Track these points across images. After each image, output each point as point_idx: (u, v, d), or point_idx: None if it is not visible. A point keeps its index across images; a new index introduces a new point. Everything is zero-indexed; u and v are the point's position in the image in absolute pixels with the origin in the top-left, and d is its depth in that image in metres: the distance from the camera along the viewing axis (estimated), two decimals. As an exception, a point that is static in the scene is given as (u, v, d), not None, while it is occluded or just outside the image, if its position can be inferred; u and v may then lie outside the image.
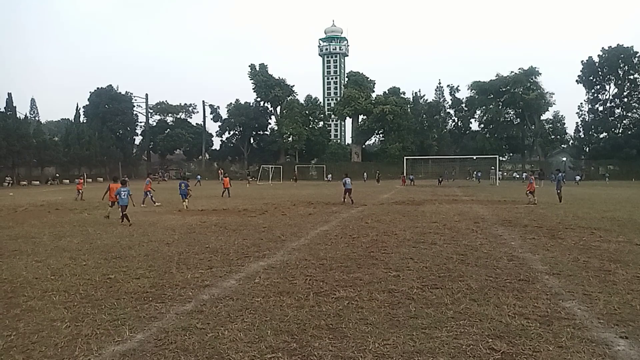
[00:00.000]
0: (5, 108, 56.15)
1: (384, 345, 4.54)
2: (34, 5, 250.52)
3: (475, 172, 59.77)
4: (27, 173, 57.70)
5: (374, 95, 76.11)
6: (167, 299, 6.16)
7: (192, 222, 14.79)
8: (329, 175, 60.74)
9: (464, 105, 76.86)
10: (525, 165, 72.08)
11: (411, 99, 77.76)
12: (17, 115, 57.49)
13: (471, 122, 78.17)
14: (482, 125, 75.49)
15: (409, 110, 74.62)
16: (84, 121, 69.73)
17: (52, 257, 9.11)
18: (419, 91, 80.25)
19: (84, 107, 72.32)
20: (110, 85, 74.65)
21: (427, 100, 79.28)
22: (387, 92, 75.94)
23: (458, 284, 6.85)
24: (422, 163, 65.06)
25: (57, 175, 57.05)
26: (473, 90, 73.92)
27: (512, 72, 70.59)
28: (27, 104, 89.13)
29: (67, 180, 55.68)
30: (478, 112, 75.46)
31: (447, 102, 79.31)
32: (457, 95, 77.51)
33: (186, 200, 20.15)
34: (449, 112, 79.87)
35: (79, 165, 62.18)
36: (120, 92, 75.36)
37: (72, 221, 15.33)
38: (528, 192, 22.27)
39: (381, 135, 78.88)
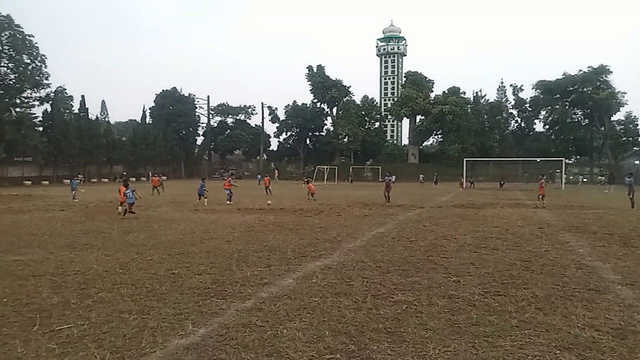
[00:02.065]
0: (78, 109, 59.74)
1: (445, 352, 4.43)
2: (105, 14, 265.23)
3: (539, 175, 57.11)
4: (97, 171, 61.09)
5: (432, 95, 74.59)
6: (228, 296, 6.32)
7: (251, 221, 15.10)
8: (393, 177, 59.26)
9: (527, 105, 73.73)
10: (594, 169, 68.20)
11: (471, 99, 75.58)
12: (89, 117, 61.02)
13: (535, 123, 74.87)
14: (547, 126, 72.11)
15: (469, 110, 72.53)
16: (150, 122, 72.89)
17: (120, 252, 9.59)
18: (480, 91, 77.79)
19: (150, 108, 75.64)
20: (175, 87, 77.62)
21: (488, 100, 76.71)
22: (446, 92, 74.20)
23: (522, 291, 6.58)
24: (482, 165, 62.97)
25: (125, 173, 60.04)
26: (538, 90, 70.73)
27: (580, 70, 66.96)
28: (98, 105, 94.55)
29: (134, 179, 58.47)
30: (543, 112, 72.13)
31: (510, 102, 76.39)
32: (521, 95, 74.47)
33: (202, 198, 21.28)
34: (511, 113, 76.89)
35: (145, 164, 65.11)
36: (183, 94, 78.18)
37: (138, 217, 16.06)
38: (540, 196, 21.89)
39: (439, 136, 77.16)
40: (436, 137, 79.89)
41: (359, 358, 4.33)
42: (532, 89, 71.45)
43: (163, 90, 76.76)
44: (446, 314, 5.56)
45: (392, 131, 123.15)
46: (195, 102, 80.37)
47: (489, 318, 5.41)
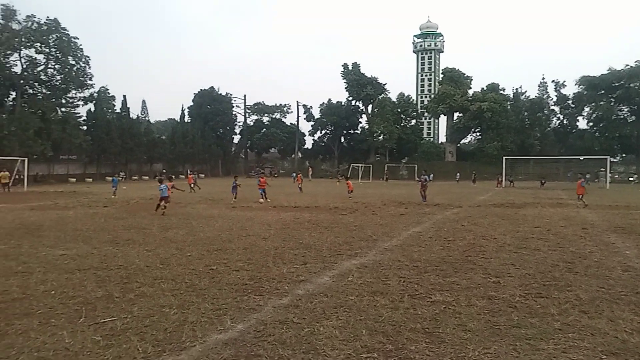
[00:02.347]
0: (120, 109, 61.62)
1: (485, 354, 4.34)
2: (144, 16, 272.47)
3: (575, 173, 55.09)
4: (138, 169, 62.86)
5: (470, 91, 73.11)
6: (265, 292, 6.38)
7: (287, 218, 15.21)
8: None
9: (570, 102, 71.20)
10: (641, 168, 65.31)
11: (511, 96, 73.67)
12: (131, 116, 62.82)
13: (578, 120, 72.23)
14: (590, 124, 69.46)
15: (508, 107, 70.71)
16: (188, 121, 74.42)
17: (160, 247, 9.83)
18: (520, 87, 75.82)
19: (188, 108, 77.23)
20: (212, 87, 78.97)
21: (528, 96, 74.54)
22: (485, 88, 72.59)
23: (565, 293, 6.38)
24: (522, 163, 61.23)
25: (164, 170, 61.54)
26: (581, 86, 68.19)
27: (627, 65, 64.08)
28: (138, 105, 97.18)
29: (173, 176, 59.80)
30: (586, 109, 69.49)
31: (552, 99, 73.99)
32: (563, 91, 72.00)
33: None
34: (553, 110, 74.46)
35: (184, 162, 66.53)
36: (221, 94, 79.44)
37: (178, 214, 16.44)
38: (579, 195, 21.29)
39: (478, 133, 75.54)
40: (474, 134, 78.25)
41: (397, 358, 4.29)
42: (575, 84, 68.99)
43: (201, 89, 78.23)
44: (486, 315, 5.45)
45: (429, 129, 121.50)
46: (232, 101, 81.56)
47: (530, 320, 5.27)
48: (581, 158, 53.58)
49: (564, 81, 72.57)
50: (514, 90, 74.76)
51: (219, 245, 10.07)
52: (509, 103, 71.46)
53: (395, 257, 8.79)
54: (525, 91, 75.43)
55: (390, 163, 70.88)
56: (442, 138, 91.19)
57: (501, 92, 72.19)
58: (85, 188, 36.93)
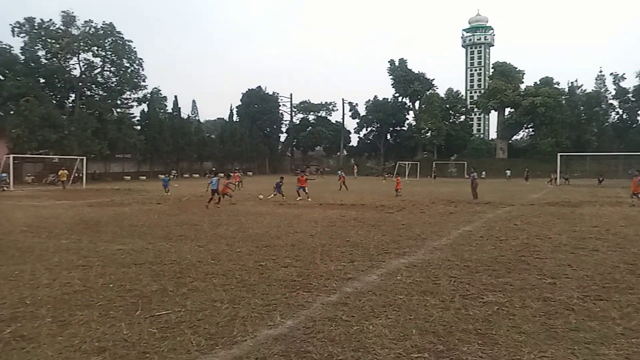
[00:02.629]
0: (172, 109, 63.66)
1: (541, 358, 4.20)
2: (194, 20, 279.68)
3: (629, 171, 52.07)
4: (189, 167, 64.74)
5: (522, 86, 70.67)
6: (313, 289, 6.42)
7: (333, 216, 15.23)
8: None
9: (630, 95, 67.52)
10: None
11: (566, 90, 70.63)
12: (182, 116, 64.77)
13: (639, 115, 68.49)
14: (653, 118, 65.74)
15: (563, 102, 67.85)
16: (237, 120, 75.93)
17: (211, 243, 10.08)
18: (576, 81, 72.47)
19: (236, 107, 78.75)
20: (259, 86, 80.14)
21: (585, 90, 71.25)
22: (538, 82, 69.97)
23: (627, 296, 6.05)
24: (578, 160, 58.55)
25: (214, 169, 63.05)
26: (642, 78, 64.61)
27: (695, 54, 60.13)
28: (189, 105, 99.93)
29: (222, 174, 61.21)
30: (648, 102, 65.79)
31: (610, 93, 70.43)
32: (623, 84, 68.41)
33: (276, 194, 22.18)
34: (611, 104, 70.87)
35: (232, 160, 67.95)
36: (267, 93, 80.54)
37: (227, 211, 16.81)
38: (633, 193, 20.15)
39: (531, 129, 72.93)
40: (527, 130, 75.62)
41: (448, 358, 4.21)
42: (636, 77, 65.37)
43: (249, 89, 79.57)
44: (541, 318, 5.25)
45: (479, 125, 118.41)
46: (279, 100, 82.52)
47: (589, 324, 5.04)
48: (643, 154, 50.66)
49: (624, 74, 68.95)
50: (569, 84, 71.65)
51: (268, 242, 10.21)
52: (563, 97, 68.60)
53: (445, 257, 8.62)
54: (582, 85, 72.21)
55: (438, 160, 69.54)
56: (493, 134, 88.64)
57: (555, 86, 69.42)
58: (139, 185, 38.38)
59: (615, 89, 69.32)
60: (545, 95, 64.60)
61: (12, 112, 41.83)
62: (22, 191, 30.30)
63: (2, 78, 42.05)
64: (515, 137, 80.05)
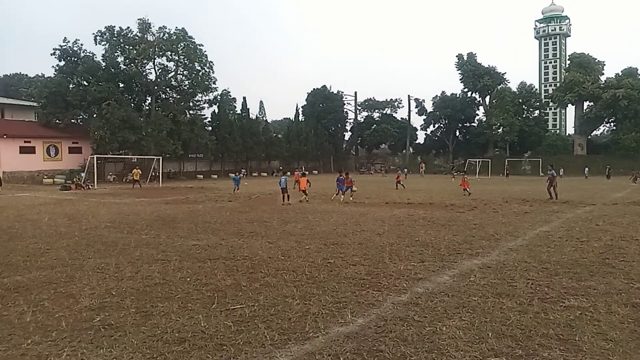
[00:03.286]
0: (241, 110, 65.52)
1: (632, 368, 3.90)
2: (261, 22, 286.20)
3: None
4: (257, 165, 66.42)
5: (603, 78, 66.02)
6: (383, 288, 6.36)
7: (400, 215, 15.03)
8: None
9: None
10: None
11: (653, 81, 65.25)
12: (250, 116, 66.50)
13: None
14: None
15: (648, 94, 62.75)
16: (302, 120, 76.85)
17: (281, 240, 10.28)
18: (665, 70, 66.67)
19: (302, 106, 79.67)
20: (324, 85, 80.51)
21: (676, 80, 65.47)
22: (620, 74, 65.10)
23: None
24: (667, 156, 54.14)
25: (281, 168, 64.27)
26: None
27: None
28: (257, 106, 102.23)
29: (289, 173, 62.37)
30: None
31: None
32: None
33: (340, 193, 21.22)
34: None
35: (298, 159, 68.91)
36: (332, 92, 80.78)
37: (295, 209, 17.06)
38: None
39: (612, 124, 68.05)
40: (608, 125, 70.65)
41: (528, 364, 4.03)
42: None
43: (314, 89, 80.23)
44: (630, 325, 4.91)
45: (555, 120, 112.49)
46: (344, 99, 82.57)
47: (686, 334, 4.63)
48: None
49: None
50: (657, 74, 66.08)
51: (335, 240, 10.26)
52: (649, 89, 63.39)
53: (521, 258, 8.25)
54: (672, 74, 66.31)
55: (511, 157, 66.63)
56: (570, 130, 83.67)
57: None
58: (211, 184, 39.86)
59: None
60: (628, 87, 59.98)
61: (95, 116, 44.90)
62: (104, 189, 32.42)
63: (86, 84, 45.18)
64: (595, 133, 75.14)
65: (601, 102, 62.54)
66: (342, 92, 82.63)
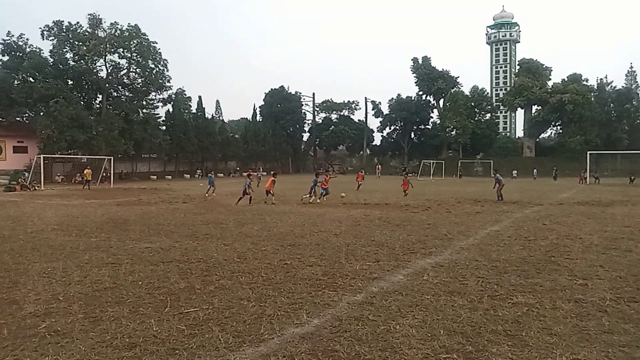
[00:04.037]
0: (196, 109, 64.43)
1: (574, 360, 4.09)
2: (217, 20, 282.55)
3: None
4: (213, 166, 65.36)
5: (550, 83, 69.14)
6: (339, 288, 6.41)
7: (357, 215, 15.18)
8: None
9: (663, 91, 65.46)
10: None
11: (595, 87, 68.88)
12: (206, 116, 65.47)
13: (673, 112, 66.32)
14: (688, 115, 63.53)
15: (592, 99, 66.18)
16: (260, 120, 76.39)
17: (237, 242, 10.17)
18: (605, 77, 70.41)
19: (259, 107, 79.26)
20: (282, 86, 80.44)
21: (615, 87, 69.34)
22: (566, 79, 68.39)
23: (664, 299, 5.86)
24: (608, 159, 57.11)
25: (238, 168, 63.65)
26: (677, 74, 62.50)
27: None
28: (213, 105, 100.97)
29: (245, 173, 61.74)
30: (683, 99, 63.62)
31: (641, 89, 68.33)
32: (655, 80, 66.30)
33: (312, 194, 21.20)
34: (643, 100, 68.77)
35: (256, 159, 68.40)
36: (290, 93, 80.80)
37: (252, 210, 16.93)
38: None
39: (559, 127, 71.39)
40: (555, 128, 74.05)
41: (477, 360, 4.15)
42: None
43: (271, 89, 79.99)
44: (573, 319, 5.14)
45: (505, 123, 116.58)
46: (301, 100, 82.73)
47: (623, 326, 4.90)
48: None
49: (657, 69, 66.80)
50: (598, 81, 69.84)
51: (292, 241, 10.24)
52: (592, 94, 66.91)
53: (472, 257, 8.50)
54: (612, 81, 70.28)
55: (463, 159, 68.68)
56: (520, 132, 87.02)
57: (584, 82, 67.72)
58: (165, 185, 38.98)
59: (647, 85, 67.27)
60: (573, 93, 63.11)
61: (42, 114, 42.97)
62: (52, 190, 31.11)
63: (32, 80, 43.15)
64: (542, 135, 78.50)
65: (548, 107, 65.47)
66: (300, 93, 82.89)
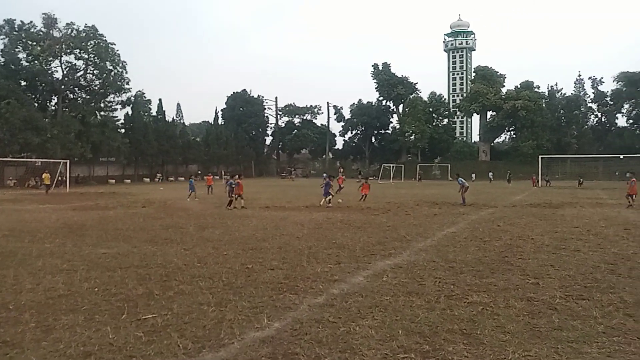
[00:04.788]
0: (156, 112, 63.15)
1: (525, 357, 4.27)
2: (177, 22, 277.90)
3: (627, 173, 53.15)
4: (174, 170, 64.29)
5: (504, 90, 71.68)
6: (300, 291, 6.43)
7: (319, 218, 15.27)
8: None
9: (608, 99, 68.91)
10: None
11: (546, 94, 71.82)
12: (166, 119, 64.30)
13: (617, 118, 69.93)
14: (630, 121, 67.10)
15: (543, 105, 68.96)
16: (222, 123, 75.60)
17: (197, 246, 10.04)
18: (556, 85, 73.58)
19: (221, 110, 78.46)
20: (245, 89, 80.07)
21: (564, 94, 72.50)
22: (519, 86, 71.03)
23: (608, 296, 6.18)
24: (559, 162, 59.59)
25: (199, 172, 62.68)
26: (620, 82, 65.87)
27: (667, 61, 61.51)
28: (174, 108, 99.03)
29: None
30: (626, 106, 67.19)
31: (589, 96, 71.78)
32: (601, 88, 69.78)
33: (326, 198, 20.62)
34: (590, 107, 72.24)
35: (218, 163, 67.63)
36: (253, 96, 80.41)
37: (213, 214, 16.74)
38: (629, 195, 20.36)
39: (512, 132, 74.07)
40: (509, 133, 76.71)
41: (434, 358, 4.26)
42: (614, 81, 66.79)
43: (234, 92, 79.43)
44: (525, 317, 5.34)
45: (462, 128, 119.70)
46: (264, 104, 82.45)
47: (572, 323, 5.14)
48: (621, 157, 51.72)
49: (602, 78, 70.43)
50: (549, 88, 72.95)
51: (254, 244, 10.20)
52: (544, 101, 69.76)
53: (430, 258, 8.71)
54: (561, 89, 73.55)
55: (422, 163, 70.11)
56: (476, 137, 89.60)
57: (536, 90, 70.54)
58: (124, 189, 37.98)
59: (593, 93, 70.67)
60: (525, 99, 65.59)
61: (-8, 115, 41.08)
62: (3, 195, 29.77)
63: (-19, 80, 41.30)
64: (497, 140, 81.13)
65: (502, 112, 67.79)
66: (263, 97, 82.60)
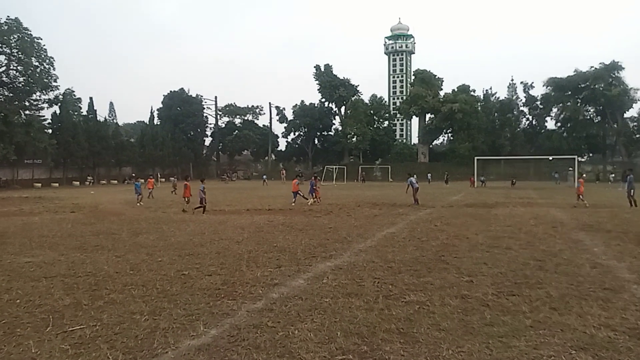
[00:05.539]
0: (87, 111, 60.21)
1: (458, 353, 4.38)
2: (112, 16, 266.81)
3: (553, 173, 56.62)
4: (106, 172, 61.52)
5: (442, 93, 74.18)
6: (238, 296, 6.30)
7: (260, 222, 15.09)
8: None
9: (539, 102, 72.97)
10: (607, 167, 67.34)
11: (482, 97, 75.11)
12: (98, 118, 61.47)
13: (547, 121, 74.19)
14: (558, 124, 71.46)
15: (479, 108, 72.08)
16: (158, 123, 73.21)
17: (130, 253, 9.61)
18: (490, 89, 77.05)
19: (157, 109, 75.97)
20: (182, 88, 77.85)
21: (498, 98, 76.15)
22: (456, 89, 73.77)
23: (536, 291, 6.50)
24: (493, 164, 62.41)
25: (134, 175, 60.38)
26: (549, 87, 69.98)
27: (592, 67, 66.00)
28: (106, 107, 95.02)
29: (143, 180, 58.78)
30: (554, 109, 71.40)
31: (521, 100, 75.74)
32: (532, 92, 73.84)
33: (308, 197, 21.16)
34: (522, 110, 76.21)
35: (153, 165, 65.42)
36: (191, 95, 78.39)
37: (148, 219, 16.13)
38: (579, 195, 21.63)
39: (450, 134, 76.73)
40: (446, 135, 79.50)
41: (372, 359, 4.29)
42: (543, 86, 70.73)
43: (171, 91, 77.13)
44: (459, 314, 5.50)
45: (402, 130, 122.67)
46: (203, 103, 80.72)
47: (502, 318, 5.34)
48: (550, 158, 54.99)
49: (532, 82, 74.38)
50: (484, 92, 76.24)
51: (191, 250, 9.90)
52: (479, 104, 72.80)
53: (370, 259, 8.81)
54: (496, 92, 77.04)
55: (364, 164, 71.25)
56: (415, 139, 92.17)
57: (472, 93, 73.44)
58: (51, 193, 35.91)
59: (525, 97, 74.58)
60: (462, 102, 68.20)
61: None
62: None
63: None
64: (435, 142, 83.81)
65: (440, 115, 70.16)
66: (202, 96, 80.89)
